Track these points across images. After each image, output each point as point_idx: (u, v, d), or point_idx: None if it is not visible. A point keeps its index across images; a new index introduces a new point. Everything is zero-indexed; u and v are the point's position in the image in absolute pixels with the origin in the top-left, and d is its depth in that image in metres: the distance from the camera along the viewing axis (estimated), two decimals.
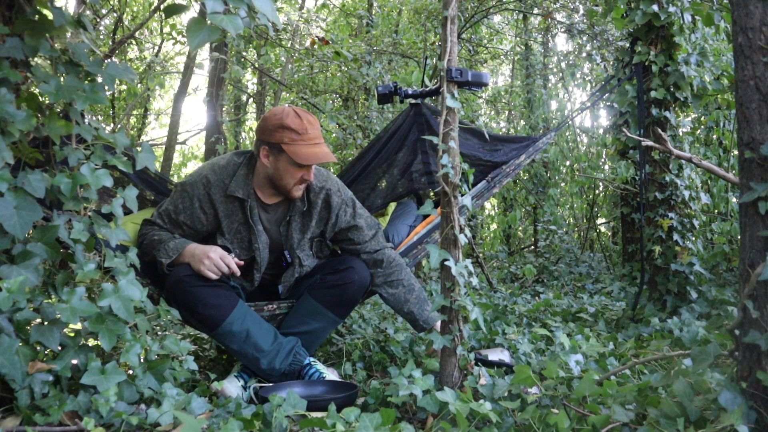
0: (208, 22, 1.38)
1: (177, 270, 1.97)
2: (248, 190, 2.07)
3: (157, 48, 9.49)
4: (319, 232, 2.20)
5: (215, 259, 1.95)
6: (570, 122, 6.68)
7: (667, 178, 2.99)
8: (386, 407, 1.61)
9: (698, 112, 4.78)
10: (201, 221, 2.10)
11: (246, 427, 1.46)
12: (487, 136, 2.76)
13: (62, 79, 1.56)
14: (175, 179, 3.21)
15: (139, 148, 1.70)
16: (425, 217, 2.67)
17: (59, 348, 1.51)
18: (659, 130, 2.50)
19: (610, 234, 7.63)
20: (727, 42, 4.02)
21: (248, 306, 2.06)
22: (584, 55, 6.98)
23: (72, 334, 1.57)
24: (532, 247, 7.77)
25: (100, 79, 1.62)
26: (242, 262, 2.04)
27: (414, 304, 2.18)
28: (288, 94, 8.02)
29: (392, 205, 2.91)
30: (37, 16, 1.59)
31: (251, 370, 2.05)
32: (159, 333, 2.84)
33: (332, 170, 5.86)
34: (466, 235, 1.76)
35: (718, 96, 3.17)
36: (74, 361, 1.54)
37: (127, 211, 1.72)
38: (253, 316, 2.02)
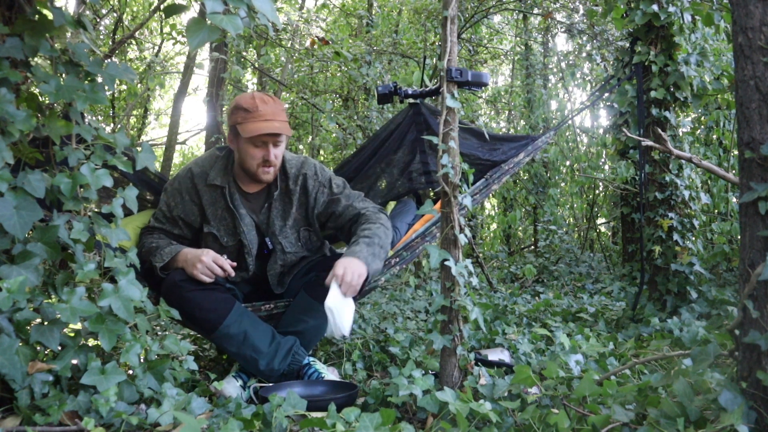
0: (208, 22, 1.38)
1: (172, 275, 1.98)
2: (227, 178, 2.13)
3: (157, 48, 9.49)
4: (302, 219, 2.22)
5: (207, 262, 1.96)
6: (570, 122, 6.68)
7: (667, 178, 2.99)
8: (386, 407, 1.62)
9: (698, 112, 4.78)
10: (193, 212, 2.15)
11: (246, 427, 1.46)
12: (486, 136, 2.75)
13: (62, 79, 1.57)
14: None
15: (139, 148, 1.71)
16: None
17: (59, 348, 1.51)
18: (659, 130, 2.50)
19: (610, 234, 7.63)
20: (727, 42, 4.02)
21: (245, 307, 2.06)
22: (584, 55, 6.97)
23: (72, 334, 1.57)
24: (532, 247, 7.76)
25: (100, 79, 1.63)
26: (235, 264, 2.05)
27: (364, 243, 2.01)
28: (288, 94, 8.01)
29: (392, 204, 2.91)
30: (37, 16, 1.59)
31: (250, 371, 2.05)
32: (159, 333, 2.84)
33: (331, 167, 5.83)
34: (466, 235, 1.76)
35: (718, 96, 3.17)
36: (74, 361, 1.54)
37: (128, 212, 1.72)
38: (250, 318, 2.02)
